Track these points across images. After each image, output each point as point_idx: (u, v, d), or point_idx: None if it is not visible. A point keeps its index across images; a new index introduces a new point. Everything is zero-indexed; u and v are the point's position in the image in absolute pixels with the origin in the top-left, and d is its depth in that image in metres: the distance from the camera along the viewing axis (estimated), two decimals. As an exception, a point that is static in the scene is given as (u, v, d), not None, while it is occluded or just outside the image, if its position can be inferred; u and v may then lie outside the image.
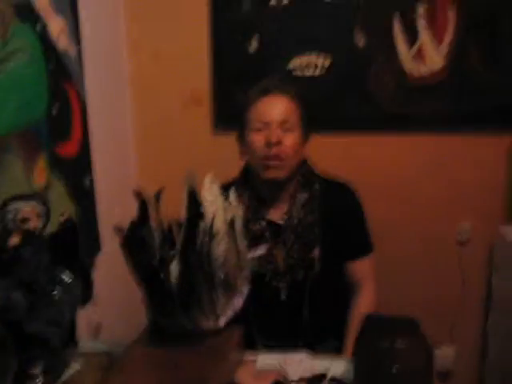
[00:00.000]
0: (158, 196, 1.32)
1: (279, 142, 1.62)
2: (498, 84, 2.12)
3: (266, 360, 1.45)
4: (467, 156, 2.24)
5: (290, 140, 1.65)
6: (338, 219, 1.72)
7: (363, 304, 1.74)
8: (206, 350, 1.30)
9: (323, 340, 1.77)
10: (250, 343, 1.63)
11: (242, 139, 1.72)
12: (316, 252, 1.69)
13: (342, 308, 1.82)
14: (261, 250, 1.51)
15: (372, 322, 1.32)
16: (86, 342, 1.43)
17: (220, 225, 1.28)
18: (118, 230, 1.28)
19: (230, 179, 1.78)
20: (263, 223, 1.71)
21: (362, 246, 1.79)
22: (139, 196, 1.31)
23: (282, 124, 1.64)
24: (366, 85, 2.17)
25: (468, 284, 2.32)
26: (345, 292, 1.84)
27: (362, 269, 1.78)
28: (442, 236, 2.31)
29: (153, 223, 1.31)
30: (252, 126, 1.67)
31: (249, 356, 1.46)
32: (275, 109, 1.65)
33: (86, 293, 1.34)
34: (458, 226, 2.29)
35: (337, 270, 1.78)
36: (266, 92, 1.68)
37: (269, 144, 1.62)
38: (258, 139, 1.65)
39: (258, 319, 1.71)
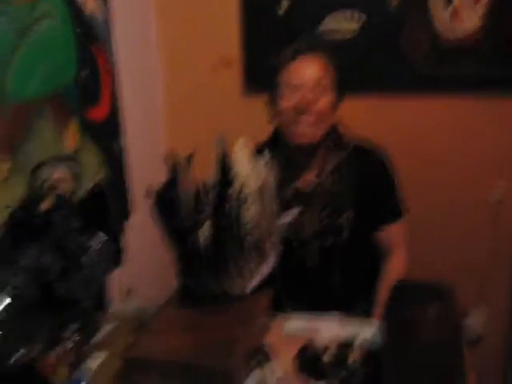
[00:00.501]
0: (189, 159, 1.32)
1: (313, 99, 1.60)
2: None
3: (296, 324, 1.45)
4: (502, 118, 2.17)
5: (323, 100, 1.63)
6: (369, 185, 1.69)
7: (394, 270, 1.72)
8: (235, 314, 1.32)
9: (353, 305, 1.74)
10: (280, 307, 1.63)
11: (273, 102, 1.70)
12: (345, 218, 1.67)
13: (371, 274, 1.80)
14: (292, 215, 1.51)
15: (402, 290, 1.31)
16: (117, 304, 1.45)
17: (250, 190, 1.28)
18: (149, 191, 1.29)
19: (260, 142, 1.77)
20: (289, 192, 1.69)
21: (393, 211, 1.76)
22: (170, 159, 1.31)
23: (315, 87, 1.61)
24: (399, 45, 2.10)
25: (500, 247, 2.28)
26: (374, 258, 1.82)
27: (393, 234, 1.76)
28: (475, 197, 2.25)
29: (184, 186, 1.31)
30: (284, 88, 1.65)
31: (278, 319, 1.46)
32: (307, 71, 1.63)
33: (116, 257, 1.36)
34: (490, 187, 2.23)
35: (366, 236, 1.76)
36: (297, 54, 1.65)
37: (303, 100, 1.60)
38: (291, 97, 1.63)
39: (286, 285, 1.70)
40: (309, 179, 1.70)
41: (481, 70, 2.09)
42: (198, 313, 1.33)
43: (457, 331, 1.17)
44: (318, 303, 1.67)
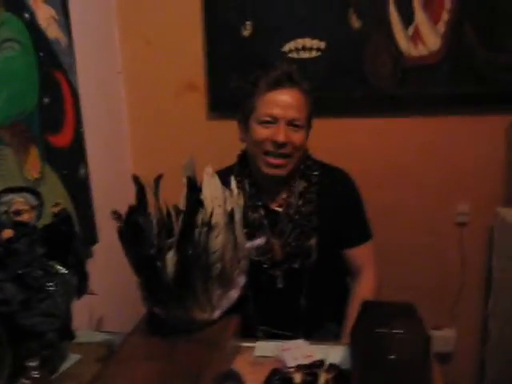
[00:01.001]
0: (157, 181, 1.31)
1: (286, 143, 1.57)
2: (496, 63, 2.09)
3: (264, 347, 1.44)
4: (465, 137, 2.21)
5: (297, 138, 1.59)
6: (336, 207, 1.69)
7: (363, 291, 1.71)
8: (203, 340, 1.30)
9: (321, 327, 1.77)
10: (250, 330, 1.62)
11: (244, 125, 1.66)
12: (313, 240, 1.67)
13: (340, 295, 1.81)
14: (259, 241, 1.51)
15: (369, 308, 1.30)
16: (83, 333, 1.43)
17: (219, 217, 1.27)
18: (115, 214, 1.27)
19: (226, 165, 1.77)
20: (261, 211, 1.68)
21: (360, 232, 1.76)
22: (137, 181, 1.29)
23: (291, 122, 1.57)
24: (361, 66, 2.13)
25: (468, 266, 2.31)
26: (342, 280, 1.84)
27: (361, 255, 1.75)
28: (440, 219, 2.29)
29: (151, 210, 1.30)
30: (259, 117, 1.59)
31: (246, 344, 1.45)
32: (286, 105, 1.57)
33: (81, 284, 1.33)
34: (456, 209, 2.27)
35: (334, 258, 1.75)
36: (278, 84, 1.58)
37: (275, 143, 1.56)
38: (263, 132, 1.58)
39: (257, 306, 1.71)
40: (278, 201, 1.70)
41: (443, 88, 2.13)
42: (166, 340, 1.31)
43: (425, 347, 1.17)
44: (287, 325, 1.68)
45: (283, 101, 1.57)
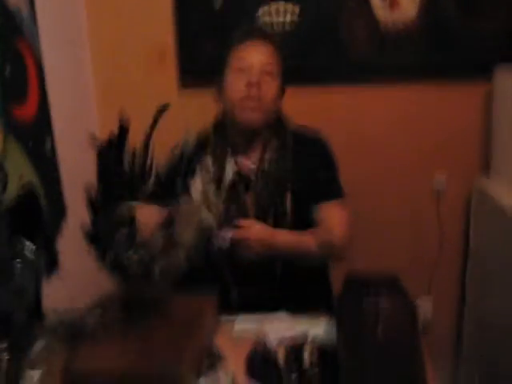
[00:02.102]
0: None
1: (259, 84, 1.60)
2: (473, 31, 2.05)
3: (244, 323, 1.40)
4: (442, 106, 2.18)
5: (269, 86, 1.62)
6: (310, 168, 1.68)
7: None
8: (181, 316, 1.26)
9: (299, 292, 1.71)
10: (226, 294, 1.63)
11: (219, 82, 1.68)
12: (287, 200, 1.66)
13: (317, 266, 1.78)
14: (228, 236, 1.55)
15: (353, 282, 1.27)
16: (52, 314, 1.36)
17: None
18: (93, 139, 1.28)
19: (202, 131, 1.73)
20: (235, 175, 1.66)
21: (332, 190, 1.72)
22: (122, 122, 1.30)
23: (263, 69, 1.62)
24: (337, 33, 2.08)
25: (445, 235, 2.30)
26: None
27: (332, 214, 1.69)
28: (418, 188, 2.27)
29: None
30: (233, 66, 1.64)
31: (226, 320, 1.41)
32: (258, 53, 1.63)
33: (50, 263, 1.27)
34: (433, 178, 2.25)
35: (308, 222, 1.71)
36: (250, 35, 1.67)
37: (249, 84, 1.59)
38: (237, 80, 1.62)
39: (233, 268, 1.68)
40: (252, 161, 1.69)
41: (420, 56, 2.09)
42: (141, 318, 1.25)
43: (412, 317, 1.15)
44: (263, 285, 1.67)
45: (255, 49, 1.64)
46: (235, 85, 1.63)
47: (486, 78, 2.05)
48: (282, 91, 1.68)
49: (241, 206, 1.66)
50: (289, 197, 1.65)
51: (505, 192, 1.96)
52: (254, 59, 1.62)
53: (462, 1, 2.04)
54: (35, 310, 1.22)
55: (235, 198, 1.66)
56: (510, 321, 1.81)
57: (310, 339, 1.27)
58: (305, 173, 1.67)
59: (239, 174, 1.68)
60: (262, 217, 1.65)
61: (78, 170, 2.02)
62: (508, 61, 1.98)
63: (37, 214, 1.26)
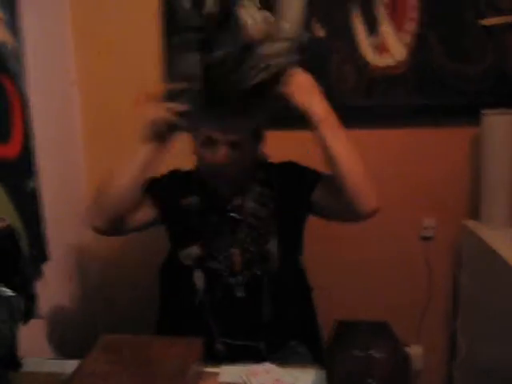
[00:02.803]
0: None
1: (227, 164, 1.49)
2: (461, 75, 2.06)
3: (229, 373, 1.34)
4: (430, 149, 2.17)
5: (240, 156, 1.50)
6: (288, 190, 1.61)
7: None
8: (165, 363, 1.20)
9: (286, 343, 1.70)
10: (211, 344, 1.56)
11: (193, 137, 1.57)
12: (272, 243, 1.60)
13: (304, 309, 1.77)
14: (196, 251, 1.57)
15: (342, 330, 1.23)
16: (30, 361, 1.30)
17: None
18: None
19: (182, 170, 1.71)
20: (223, 217, 1.61)
21: (313, 177, 1.62)
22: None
23: (230, 143, 1.48)
24: (326, 77, 2.08)
25: (435, 282, 2.27)
26: (307, 292, 1.79)
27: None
28: (406, 233, 2.25)
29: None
30: (197, 138, 1.53)
31: (210, 370, 1.35)
32: (222, 130, 1.47)
33: (28, 308, 1.21)
34: (422, 222, 2.23)
35: (295, 264, 1.72)
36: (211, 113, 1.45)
37: (216, 165, 1.49)
38: (204, 154, 1.52)
39: (215, 316, 1.62)
40: (235, 206, 1.62)
41: (408, 99, 2.09)
42: (124, 365, 1.20)
43: (405, 367, 1.11)
44: (249, 334, 1.62)
45: (219, 125, 1.47)
46: (202, 159, 1.53)
47: (474, 121, 2.05)
48: (257, 142, 1.58)
49: (227, 253, 1.60)
50: (274, 242, 1.60)
51: (495, 235, 1.94)
52: (219, 137, 1.47)
53: (449, 45, 2.05)
54: (11, 357, 1.16)
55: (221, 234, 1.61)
56: (503, 368, 1.76)
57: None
58: (287, 205, 1.61)
59: (224, 217, 1.62)
60: (248, 266, 1.60)
61: (61, 211, 1.98)
62: (495, 105, 1.99)
63: (16, 257, 1.20)
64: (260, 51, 1.31)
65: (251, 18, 1.30)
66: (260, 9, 1.32)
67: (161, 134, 1.46)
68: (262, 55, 1.31)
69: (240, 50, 1.30)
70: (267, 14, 1.32)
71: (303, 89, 1.43)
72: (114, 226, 1.52)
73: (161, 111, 1.43)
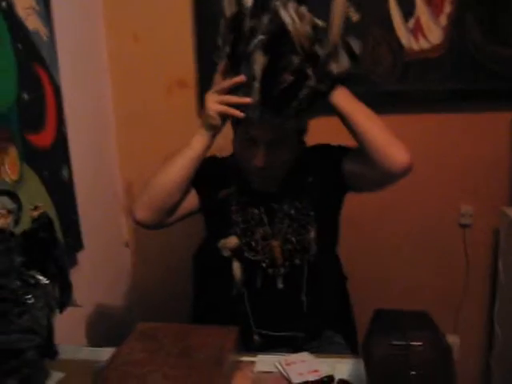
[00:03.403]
0: None
1: (267, 167, 1.46)
2: (499, 57, 2.00)
3: (265, 362, 1.33)
4: (468, 135, 2.12)
5: (282, 155, 1.48)
6: (321, 173, 1.58)
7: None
8: (201, 352, 1.19)
9: (322, 332, 1.69)
10: (247, 336, 1.55)
11: (234, 131, 1.55)
12: (312, 233, 1.57)
13: (339, 301, 1.75)
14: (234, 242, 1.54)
15: (381, 318, 1.20)
16: (66, 348, 1.30)
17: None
18: None
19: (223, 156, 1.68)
20: (261, 207, 1.58)
21: (339, 151, 1.58)
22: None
23: (272, 142, 1.44)
24: (361, 62, 2.03)
25: (472, 269, 2.22)
26: (342, 282, 1.78)
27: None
28: (444, 220, 2.20)
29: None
30: (238, 134, 1.51)
31: (246, 358, 1.34)
32: (265, 131, 1.44)
33: (64, 296, 1.21)
34: (460, 209, 2.18)
35: (332, 250, 1.71)
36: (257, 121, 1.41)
37: (257, 165, 1.46)
38: (245, 152, 1.50)
39: (255, 308, 1.61)
40: (273, 197, 1.59)
41: (445, 83, 2.04)
42: (160, 357, 1.19)
43: (447, 358, 1.07)
44: (287, 325, 1.61)
45: (262, 127, 1.43)
46: (243, 154, 1.50)
47: (512, 105, 2.00)
48: (300, 137, 1.55)
49: (267, 245, 1.57)
50: (314, 231, 1.57)
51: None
52: (259, 136, 1.44)
53: (487, 28, 1.99)
54: (47, 345, 1.16)
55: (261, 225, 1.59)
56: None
57: (336, 381, 1.20)
58: (322, 186, 1.57)
59: (265, 208, 1.59)
60: (289, 257, 1.57)
61: (95, 200, 1.99)
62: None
63: (51, 246, 1.20)
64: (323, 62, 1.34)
65: (290, 17, 1.29)
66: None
67: (219, 126, 1.45)
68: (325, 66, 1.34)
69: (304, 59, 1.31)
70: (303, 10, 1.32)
71: None
72: (162, 218, 1.51)
73: (224, 103, 1.40)
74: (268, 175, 1.52)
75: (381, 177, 1.46)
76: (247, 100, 1.35)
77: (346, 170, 1.54)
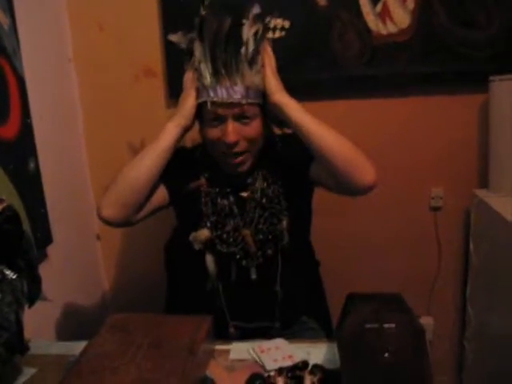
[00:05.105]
0: None
1: (237, 141, 1.44)
2: (467, 41, 2.01)
3: (240, 349, 1.32)
4: (437, 118, 2.12)
5: (250, 130, 1.46)
6: (291, 166, 1.57)
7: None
8: (174, 341, 1.18)
9: (297, 320, 1.70)
10: (221, 326, 1.52)
11: (198, 121, 1.53)
12: (284, 222, 1.56)
13: (313, 287, 1.76)
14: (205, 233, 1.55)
15: (354, 301, 1.20)
16: (37, 344, 1.28)
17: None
18: None
19: (191, 147, 1.68)
20: (231, 198, 1.57)
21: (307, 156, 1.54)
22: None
23: (240, 115, 1.43)
24: (328, 46, 2.03)
25: (444, 251, 2.24)
26: (315, 268, 1.78)
27: None
28: (415, 203, 2.21)
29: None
30: (205, 118, 1.47)
31: (220, 347, 1.33)
32: (230, 104, 1.42)
33: (33, 290, 1.19)
34: (430, 192, 2.19)
35: (305, 238, 1.71)
36: (216, 72, 1.43)
37: (226, 144, 1.43)
38: (213, 133, 1.46)
39: (229, 301, 1.60)
40: (244, 186, 1.58)
41: (414, 67, 2.04)
42: (132, 347, 1.18)
43: (420, 340, 1.08)
44: (262, 316, 1.61)
45: (227, 97, 1.42)
46: (212, 139, 1.47)
47: (482, 88, 2.00)
48: (265, 119, 1.52)
49: (239, 235, 1.55)
50: (286, 220, 1.56)
51: (504, 203, 1.91)
52: (225, 112, 1.42)
53: (455, 11, 1.99)
54: (17, 341, 1.14)
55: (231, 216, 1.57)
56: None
57: (310, 366, 1.20)
58: (292, 178, 1.57)
59: (237, 197, 1.58)
60: (261, 246, 1.56)
61: (63, 192, 1.96)
62: (503, 70, 1.94)
63: (18, 240, 1.17)
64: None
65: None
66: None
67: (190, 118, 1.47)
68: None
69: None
70: None
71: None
72: (130, 215, 1.48)
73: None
74: (239, 153, 1.47)
75: (344, 190, 1.48)
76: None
77: (312, 175, 1.55)
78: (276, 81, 1.46)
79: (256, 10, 1.46)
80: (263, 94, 1.46)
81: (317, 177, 1.54)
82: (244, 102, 1.41)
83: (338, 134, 1.44)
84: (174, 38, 1.54)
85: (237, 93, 1.40)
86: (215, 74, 1.41)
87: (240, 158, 1.48)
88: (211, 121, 1.45)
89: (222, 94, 1.40)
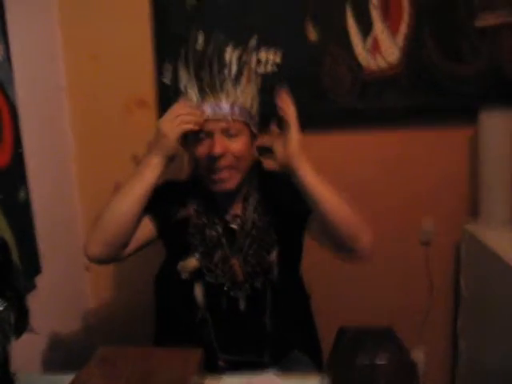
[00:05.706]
0: None
1: (224, 153, 1.45)
2: (456, 75, 2.04)
3: (231, 383, 1.30)
4: (427, 151, 2.15)
5: (237, 146, 1.47)
6: (286, 203, 1.57)
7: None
8: (163, 375, 1.16)
9: (288, 353, 1.65)
10: (212, 361, 1.51)
11: (186, 147, 1.54)
12: (274, 254, 1.57)
13: (304, 320, 1.73)
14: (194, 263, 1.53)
15: (346, 335, 1.19)
16: (24, 376, 1.26)
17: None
18: None
19: (179, 180, 1.69)
20: (219, 228, 1.57)
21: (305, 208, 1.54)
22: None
23: (226, 131, 1.46)
24: (319, 80, 2.06)
25: (435, 285, 2.24)
26: (305, 302, 1.76)
27: None
28: (405, 236, 2.22)
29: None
30: (192, 138, 1.49)
31: (210, 379, 1.31)
32: (217, 120, 1.46)
33: (20, 322, 1.17)
34: (421, 224, 2.20)
35: (295, 272, 1.68)
36: (203, 91, 1.48)
37: (212, 157, 1.45)
38: (201, 150, 1.48)
39: (219, 332, 1.58)
40: (234, 216, 1.58)
41: (404, 100, 2.07)
42: (120, 378, 1.16)
43: (412, 372, 1.07)
44: (251, 348, 1.58)
45: (214, 114, 1.47)
46: (199, 156, 1.49)
47: (471, 122, 2.04)
48: (256, 136, 1.55)
49: (227, 265, 1.55)
50: (275, 253, 1.57)
51: (495, 236, 1.92)
52: (212, 126, 1.45)
53: (444, 46, 2.03)
54: (3, 374, 1.12)
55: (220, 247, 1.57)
56: (504, 370, 1.74)
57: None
58: (285, 214, 1.56)
59: (225, 227, 1.58)
60: (250, 278, 1.56)
61: (53, 222, 1.94)
62: (491, 105, 1.97)
63: (6, 270, 1.16)
64: None
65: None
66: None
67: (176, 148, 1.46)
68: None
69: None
70: None
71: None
72: (116, 252, 1.48)
73: (183, 124, 1.44)
74: (225, 167, 1.47)
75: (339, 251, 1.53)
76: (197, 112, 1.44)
77: (308, 229, 1.58)
78: (299, 145, 1.45)
79: (252, 42, 1.56)
80: (250, 114, 1.50)
81: (313, 235, 1.58)
82: (229, 118, 1.44)
83: (345, 204, 1.46)
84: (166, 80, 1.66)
85: (222, 109, 1.45)
86: (201, 92, 1.47)
87: (225, 173, 1.48)
88: (198, 140, 1.47)
89: (208, 110, 1.45)
